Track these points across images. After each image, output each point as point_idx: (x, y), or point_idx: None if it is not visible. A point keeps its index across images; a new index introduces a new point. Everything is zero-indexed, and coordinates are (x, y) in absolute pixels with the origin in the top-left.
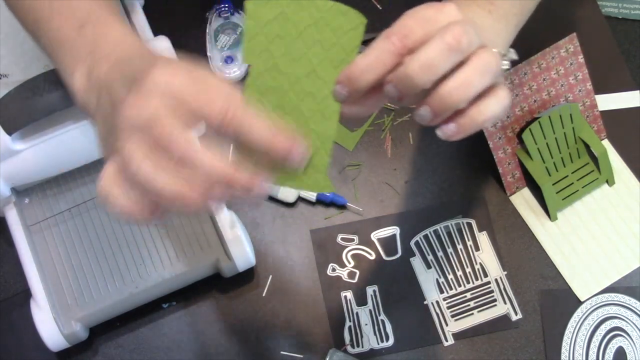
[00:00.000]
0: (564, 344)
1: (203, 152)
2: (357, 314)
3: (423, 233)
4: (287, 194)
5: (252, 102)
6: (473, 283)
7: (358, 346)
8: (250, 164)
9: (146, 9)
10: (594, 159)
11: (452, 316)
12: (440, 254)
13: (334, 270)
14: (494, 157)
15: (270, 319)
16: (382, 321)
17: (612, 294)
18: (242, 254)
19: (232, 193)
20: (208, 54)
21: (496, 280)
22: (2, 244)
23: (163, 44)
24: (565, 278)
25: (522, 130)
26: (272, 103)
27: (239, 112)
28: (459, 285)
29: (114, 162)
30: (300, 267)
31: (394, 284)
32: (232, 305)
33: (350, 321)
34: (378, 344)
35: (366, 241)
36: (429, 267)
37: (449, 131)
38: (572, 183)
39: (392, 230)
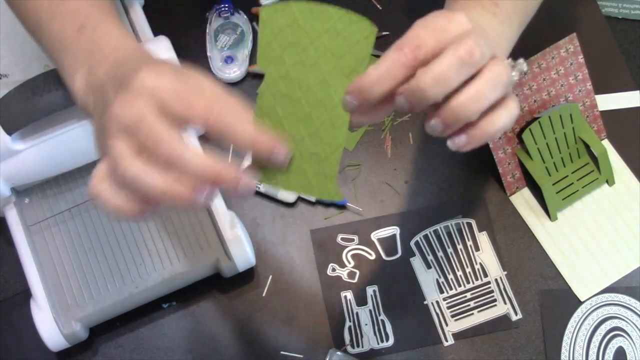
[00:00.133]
0: (564, 344)
1: (189, 151)
2: (357, 314)
3: (423, 233)
4: (287, 194)
5: (264, 110)
6: (473, 283)
7: (358, 346)
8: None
9: (146, 9)
10: (594, 159)
11: (452, 316)
12: (440, 254)
13: (334, 270)
14: (494, 157)
15: (270, 319)
16: (382, 321)
17: (612, 294)
18: (242, 254)
19: (220, 189)
20: (208, 54)
21: (496, 280)
22: (2, 244)
23: (163, 44)
24: (565, 278)
25: (522, 130)
26: (285, 110)
27: (222, 113)
28: (459, 285)
29: (105, 162)
30: (300, 267)
31: (394, 284)
32: (232, 305)
33: (350, 321)
34: (378, 344)
35: (366, 241)
36: (429, 267)
37: (460, 142)
38: (572, 183)
39: (392, 230)
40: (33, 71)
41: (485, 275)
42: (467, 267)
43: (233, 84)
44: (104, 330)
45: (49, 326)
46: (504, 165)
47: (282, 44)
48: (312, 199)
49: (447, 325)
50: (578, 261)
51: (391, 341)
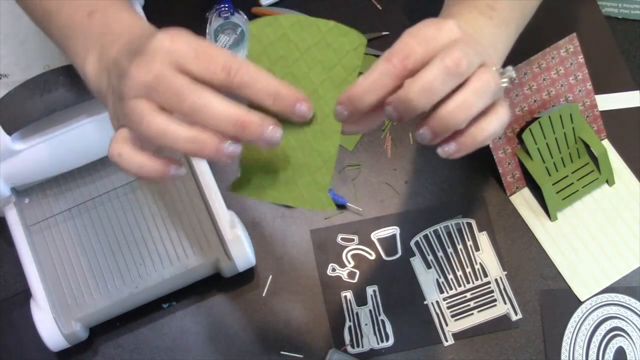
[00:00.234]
0: (564, 344)
1: (213, 98)
2: (357, 314)
3: (423, 233)
4: None
5: None
6: (473, 283)
7: (358, 346)
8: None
9: (146, 9)
10: (594, 159)
11: (452, 316)
12: (440, 254)
13: (334, 270)
14: (494, 157)
15: (270, 319)
16: (382, 321)
17: (612, 294)
18: (242, 254)
19: (246, 137)
20: None
21: (496, 280)
22: (2, 244)
23: None
24: (565, 278)
25: (522, 130)
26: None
27: (242, 69)
28: (459, 285)
29: (124, 127)
30: (300, 267)
31: (394, 284)
32: (232, 305)
33: (350, 321)
34: (378, 344)
35: (366, 241)
36: (429, 267)
37: (449, 150)
38: (572, 183)
39: (392, 230)
40: (33, 71)
41: (485, 275)
42: (467, 267)
43: None
44: (104, 330)
45: (49, 326)
46: (504, 165)
47: (271, 58)
48: (307, 207)
49: (447, 325)
50: (578, 261)
51: (391, 341)
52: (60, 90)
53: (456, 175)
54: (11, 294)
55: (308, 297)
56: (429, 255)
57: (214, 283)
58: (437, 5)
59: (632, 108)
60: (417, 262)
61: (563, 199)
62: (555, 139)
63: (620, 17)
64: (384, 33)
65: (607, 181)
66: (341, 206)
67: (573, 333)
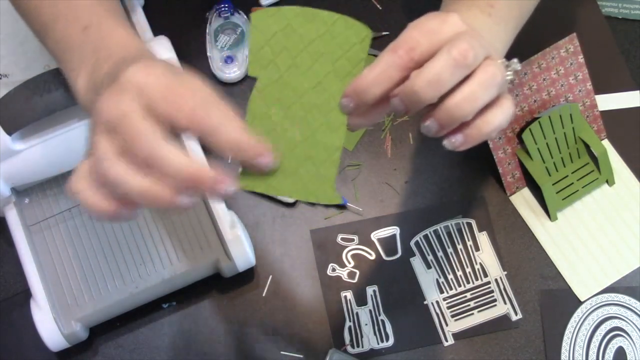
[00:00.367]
0: (564, 344)
1: (170, 151)
2: (357, 314)
3: (423, 233)
4: None
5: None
6: (473, 283)
7: (358, 346)
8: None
9: (146, 9)
10: (594, 159)
11: (452, 316)
12: (440, 254)
13: (334, 270)
14: (494, 157)
15: (270, 319)
16: (382, 321)
17: (612, 294)
18: (242, 254)
19: (200, 191)
20: (208, 54)
21: (496, 280)
22: (2, 244)
23: (163, 44)
24: (565, 278)
25: (522, 130)
26: (278, 115)
27: (208, 115)
28: (459, 285)
29: (89, 159)
30: (300, 267)
31: (394, 284)
32: (232, 305)
33: (350, 321)
34: (378, 344)
35: (366, 241)
36: (429, 267)
37: (456, 142)
38: (572, 183)
39: (392, 230)
40: (33, 71)
41: (485, 275)
42: (467, 267)
43: (233, 84)
44: (104, 330)
45: (49, 326)
46: (504, 165)
47: (274, 49)
48: (313, 201)
49: (447, 325)
50: (578, 261)
51: (391, 341)
52: (60, 90)
53: (456, 175)
54: (11, 294)
55: (308, 297)
56: (429, 255)
57: (214, 283)
58: (437, 5)
59: (632, 108)
60: (417, 262)
61: (563, 199)
62: (555, 139)
63: (620, 17)
64: (384, 33)
65: (607, 181)
66: (341, 206)
67: (573, 333)
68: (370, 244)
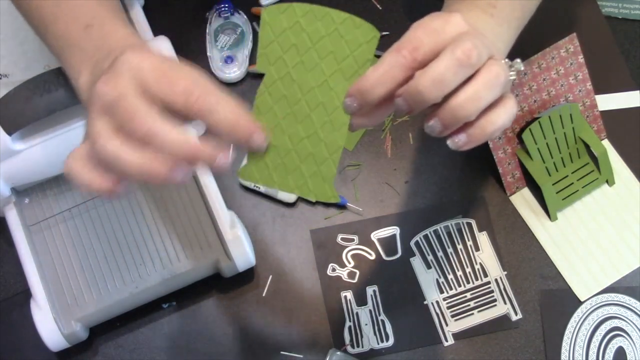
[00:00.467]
0: (564, 344)
1: (166, 128)
2: (357, 314)
3: (423, 233)
4: (287, 194)
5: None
6: (473, 283)
7: (358, 346)
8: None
9: (146, 9)
10: (594, 159)
11: (452, 316)
12: (440, 254)
13: (334, 270)
14: (494, 157)
15: (270, 319)
16: (382, 321)
17: (612, 294)
18: (242, 254)
19: (197, 164)
20: (208, 54)
21: (496, 280)
22: (2, 244)
23: (163, 44)
24: (565, 278)
25: (522, 130)
26: (284, 111)
27: (203, 95)
28: (459, 285)
29: (85, 143)
30: (300, 267)
31: (394, 284)
32: (232, 305)
33: (350, 321)
34: (378, 344)
35: (366, 241)
36: (429, 267)
37: (460, 142)
38: (572, 183)
39: (392, 230)
40: (33, 71)
41: (485, 275)
42: (467, 267)
43: (233, 84)
44: (104, 330)
45: (49, 326)
46: (504, 165)
47: (283, 46)
48: (312, 199)
49: (447, 325)
50: (578, 261)
51: (391, 341)
52: (60, 90)
53: (456, 175)
54: (11, 294)
55: (308, 297)
56: (429, 255)
57: (214, 283)
58: (437, 5)
59: (632, 108)
60: (417, 262)
61: (563, 199)
62: (555, 139)
63: (620, 17)
64: (384, 33)
65: (607, 181)
66: (341, 206)
67: (573, 333)
68: (370, 244)
